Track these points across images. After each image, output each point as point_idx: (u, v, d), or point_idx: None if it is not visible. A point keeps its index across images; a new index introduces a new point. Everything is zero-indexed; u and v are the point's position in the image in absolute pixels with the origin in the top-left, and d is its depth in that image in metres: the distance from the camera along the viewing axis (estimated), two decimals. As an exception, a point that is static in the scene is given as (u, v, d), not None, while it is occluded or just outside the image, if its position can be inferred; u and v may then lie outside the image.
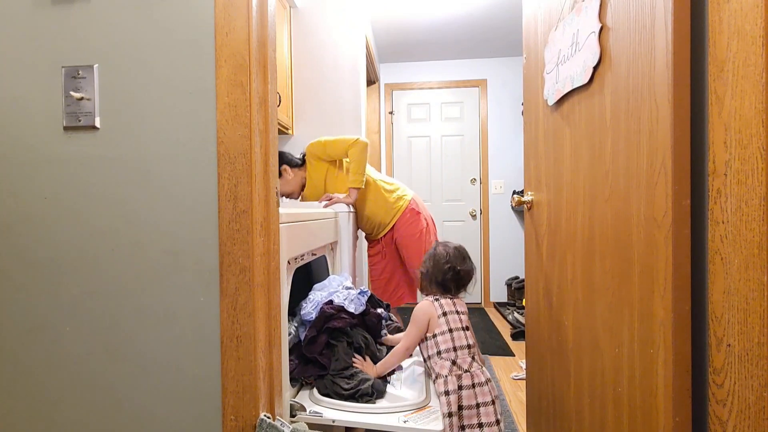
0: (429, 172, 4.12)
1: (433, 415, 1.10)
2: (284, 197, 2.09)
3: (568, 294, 1.13)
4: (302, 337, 1.26)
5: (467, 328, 1.29)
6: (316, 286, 1.44)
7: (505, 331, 3.30)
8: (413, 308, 1.33)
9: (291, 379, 1.15)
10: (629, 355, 0.83)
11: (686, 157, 0.69)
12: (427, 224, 2.12)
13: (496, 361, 2.67)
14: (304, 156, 2.09)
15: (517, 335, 3.10)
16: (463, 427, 1.16)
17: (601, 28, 0.92)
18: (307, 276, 1.60)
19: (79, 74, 0.85)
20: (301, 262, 1.30)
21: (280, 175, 2.00)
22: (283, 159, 2.03)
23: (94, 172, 0.85)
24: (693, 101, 0.69)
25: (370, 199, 2.09)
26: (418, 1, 2.96)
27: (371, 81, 3.70)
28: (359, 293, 1.37)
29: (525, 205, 1.48)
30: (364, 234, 2.26)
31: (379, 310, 1.42)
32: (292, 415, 1.08)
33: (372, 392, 1.15)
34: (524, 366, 2.38)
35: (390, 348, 1.36)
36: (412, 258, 2.09)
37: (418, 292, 1.90)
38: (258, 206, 0.83)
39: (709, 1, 0.65)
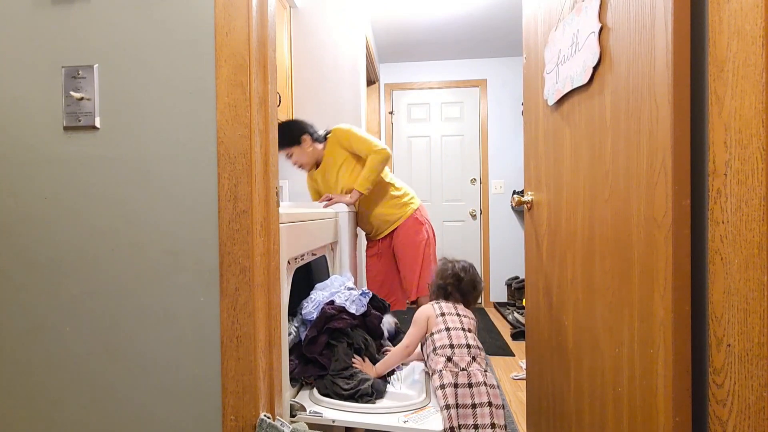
0: (429, 172, 4.12)
1: (433, 416, 1.10)
2: (296, 164, 2.06)
3: (568, 294, 1.13)
4: (303, 337, 1.26)
5: (469, 330, 1.29)
6: (317, 285, 1.44)
7: (505, 331, 3.30)
8: (407, 314, 1.36)
9: (291, 379, 1.15)
10: (629, 355, 0.83)
11: (686, 157, 0.69)
12: (428, 237, 2.08)
13: (496, 361, 2.67)
14: (327, 134, 2.05)
15: (517, 335, 3.10)
16: (459, 426, 1.12)
17: (601, 28, 0.92)
18: (307, 276, 1.60)
19: (79, 74, 0.85)
20: (301, 262, 1.30)
21: (299, 142, 1.97)
22: (307, 128, 2.00)
23: (94, 172, 0.85)
24: (693, 101, 0.69)
25: (375, 199, 2.05)
26: (418, 1, 2.96)
27: (371, 81, 3.70)
28: (361, 294, 1.37)
29: (525, 205, 1.48)
30: (364, 233, 2.26)
31: (389, 319, 1.45)
32: (292, 415, 1.08)
33: (372, 392, 1.15)
34: (524, 366, 2.38)
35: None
36: (406, 267, 2.06)
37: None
38: (258, 206, 0.83)
39: (709, 1, 0.65)
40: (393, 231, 2.09)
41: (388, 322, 1.54)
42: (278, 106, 1.98)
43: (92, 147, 0.85)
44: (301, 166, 2.07)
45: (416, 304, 2.12)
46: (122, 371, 0.85)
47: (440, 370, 1.18)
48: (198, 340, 0.83)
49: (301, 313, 1.33)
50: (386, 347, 1.41)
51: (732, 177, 0.61)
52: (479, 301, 4.15)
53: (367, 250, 2.23)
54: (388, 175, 2.09)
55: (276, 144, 0.91)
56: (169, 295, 0.83)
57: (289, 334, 1.27)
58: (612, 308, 0.90)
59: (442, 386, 1.15)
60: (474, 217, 4.13)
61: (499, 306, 3.96)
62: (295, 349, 1.25)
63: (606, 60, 0.91)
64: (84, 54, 0.85)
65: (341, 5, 2.56)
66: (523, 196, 1.49)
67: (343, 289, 1.41)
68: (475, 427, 1.12)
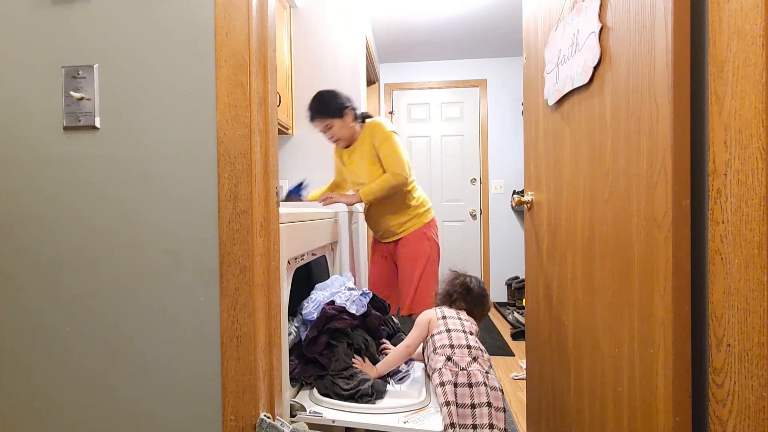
0: (429, 172, 4.12)
1: (433, 416, 1.10)
2: (332, 138, 1.97)
3: (568, 294, 1.13)
4: (303, 337, 1.26)
5: (471, 333, 1.30)
6: (318, 285, 1.44)
7: (505, 331, 3.30)
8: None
9: (291, 379, 1.15)
10: (629, 355, 0.83)
11: (686, 157, 0.69)
12: (431, 254, 1.99)
13: (496, 361, 2.67)
14: (365, 117, 1.99)
15: (517, 335, 3.10)
16: (458, 425, 1.11)
17: (601, 28, 0.92)
18: (307, 276, 1.60)
19: (79, 74, 0.85)
20: (301, 262, 1.30)
21: (342, 116, 1.90)
22: (350, 104, 1.92)
23: (94, 172, 0.85)
24: (693, 101, 0.69)
25: (388, 204, 1.96)
26: (418, 1, 2.96)
27: (371, 81, 3.70)
28: (361, 294, 1.37)
29: (525, 205, 1.48)
30: (364, 233, 2.24)
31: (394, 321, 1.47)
32: (292, 415, 1.08)
33: (372, 393, 1.15)
34: (524, 366, 2.38)
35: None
36: (404, 280, 1.98)
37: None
38: (258, 206, 0.83)
39: (709, 1, 0.65)
40: (399, 240, 2.01)
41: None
42: (278, 106, 1.97)
43: (92, 147, 0.85)
44: (336, 141, 1.98)
45: (410, 318, 2.09)
46: (122, 371, 0.85)
47: (440, 368, 1.18)
48: (198, 340, 0.83)
49: (301, 313, 1.34)
50: (385, 347, 1.41)
51: (732, 177, 0.61)
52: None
53: (372, 247, 2.18)
54: (410, 183, 2.01)
55: (276, 144, 0.91)
56: (169, 295, 0.83)
57: (289, 334, 1.27)
58: (612, 308, 0.90)
59: (442, 383, 1.14)
60: (474, 217, 4.13)
61: (499, 306, 3.96)
62: (295, 349, 1.25)
63: (606, 60, 0.91)
64: (84, 54, 0.85)
65: (341, 5, 2.56)
66: (523, 196, 1.49)
67: (343, 289, 1.41)
68: (474, 427, 1.11)
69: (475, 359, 1.21)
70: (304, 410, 1.09)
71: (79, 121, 0.85)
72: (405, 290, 2.00)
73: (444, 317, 1.33)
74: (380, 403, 1.15)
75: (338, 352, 1.22)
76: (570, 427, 1.14)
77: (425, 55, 3.99)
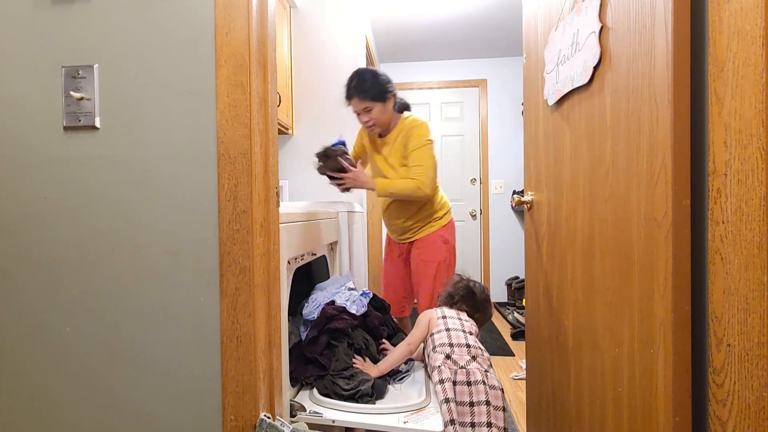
0: (429, 172, 4.11)
1: (433, 416, 1.10)
2: (368, 122, 1.81)
3: (568, 294, 1.13)
4: (303, 337, 1.26)
5: (470, 333, 1.30)
6: (318, 285, 1.44)
7: (505, 331, 3.30)
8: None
9: (291, 379, 1.15)
10: (629, 355, 0.83)
11: (686, 157, 0.69)
12: (448, 257, 1.89)
13: (496, 361, 2.67)
14: (404, 108, 1.89)
15: (517, 335, 3.10)
16: (457, 423, 1.11)
17: (601, 28, 0.92)
18: (307, 276, 1.60)
19: (79, 74, 0.85)
20: (301, 262, 1.30)
21: (385, 100, 1.76)
22: (393, 89, 1.80)
23: (94, 172, 0.85)
24: (693, 101, 0.69)
25: (409, 202, 1.86)
26: (418, 1, 2.96)
27: (371, 81, 3.69)
28: (361, 294, 1.37)
29: (525, 205, 1.48)
30: (365, 233, 2.20)
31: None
32: (292, 415, 1.08)
33: (372, 393, 1.15)
34: (524, 366, 2.38)
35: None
36: (420, 285, 1.88)
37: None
38: (258, 206, 0.83)
39: (709, 1, 0.65)
40: (414, 241, 1.92)
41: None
42: (278, 106, 1.97)
43: (92, 147, 0.85)
44: (372, 126, 1.82)
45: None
46: (122, 371, 0.85)
47: (439, 366, 1.18)
48: (198, 340, 0.83)
49: (301, 313, 1.34)
50: (384, 347, 1.41)
51: (732, 177, 0.61)
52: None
53: (386, 246, 2.09)
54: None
55: (276, 144, 0.91)
56: (169, 295, 0.83)
57: (289, 334, 1.27)
58: (612, 308, 0.90)
59: (441, 381, 1.14)
60: (474, 217, 4.13)
61: (499, 306, 3.96)
62: (295, 349, 1.25)
63: (606, 60, 0.91)
64: (84, 54, 0.85)
65: (341, 5, 2.56)
66: (523, 196, 1.49)
67: (344, 289, 1.41)
68: (472, 425, 1.11)
69: (474, 358, 1.21)
70: (304, 410, 1.09)
71: (79, 121, 0.85)
72: (421, 294, 1.90)
73: (444, 317, 1.33)
74: (380, 403, 1.15)
75: (338, 352, 1.22)
76: (570, 427, 1.14)
77: (425, 55, 3.99)
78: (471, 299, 1.45)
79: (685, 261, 0.69)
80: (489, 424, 1.11)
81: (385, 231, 2.15)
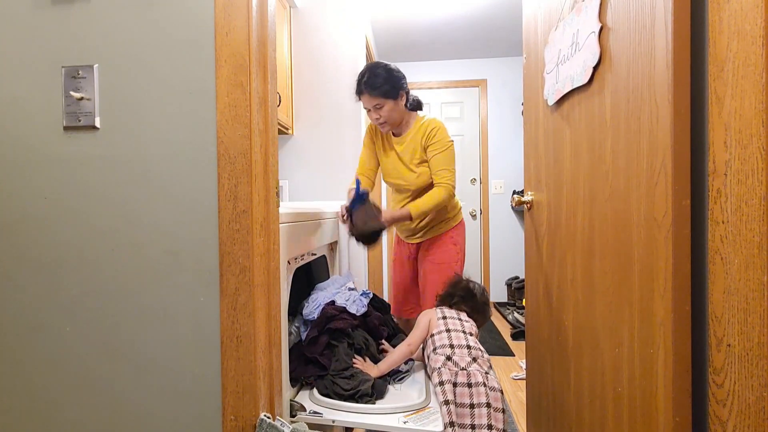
0: (429, 172, 4.11)
1: (433, 416, 1.10)
2: (379, 120, 1.73)
3: (568, 294, 1.13)
4: (304, 337, 1.26)
5: (470, 334, 1.30)
6: (318, 285, 1.44)
7: (505, 331, 3.30)
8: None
9: (291, 379, 1.15)
10: (629, 355, 0.83)
11: (686, 157, 0.69)
12: (456, 260, 1.83)
13: (496, 361, 2.67)
14: (417, 106, 1.81)
15: (517, 335, 3.10)
16: (457, 425, 1.11)
17: (601, 28, 0.92)
18: (307, 276, 1.60)
19: (79, 74, 0.85)
20: (301, 262, 1.30)
21: (397, 97, 1.69)
22: (406, 86, 1.73)
23: (94, 172, 0.85)
24: (693, 101, 0.69)
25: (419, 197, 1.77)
26: (418, 1, 2.96)
27: (371, 81, 3.69)
28: (361, 294, 1.37)
29: (525, 205, 1.48)
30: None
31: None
32: (292, 415, 1.08)
33: (372, 393, 1.15)
34: (524, 366, 2.38)
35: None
36: (425, 285, 1.84)
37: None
38: (258, 206, 0.83)
39: (709, 1, 0.65)
40: (422, 242, 1.89)
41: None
42: (278, 106, 1.97)
43: (92, 147, 0.85)
44: (382, 124, 1.75)
45: None
46: (122, 371, 0.85)
47: (439, 368, 1.18)
48: (198, 340, 0.83)
49: (301, 314, 1.34)
50: (384, 348, 1.41)
51: (732, 177, 0.61)
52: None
53: (395, 245, 2.05)
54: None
55: (276, 144, 0.91)
56: (169, 295, 0.83)
57: (289, 334, 1.27)
58: (612, 308, 0.90)
59: (441, 383, 1.14)
60: (474, 217, 4.13)
61: (499, 306, 3.96)
62: (296, 349, 1.25)
63: (606, 60, 0.91)
64: (84, 54, 0.85)
65: (341, 5, 2.56)
66: (523, 196, 1.49)
67: (344, 289, 1.41)
68: (472, 427, 1.11)
69: (474, 359, 1.21)
70: (304, 410, 1.09)
71: (79, 121, 0.85)
72: (427, 296, 1.85)
73: (444, 317, 1.33)
74: (380, 403, 1.15)
75: (339, 352, 1.22)
76: (570, 427, 1.14)
77: (425, 55, 3.99)
78: (471, 300, 1.45)
79: (685, 261, 0.69)
80: (489, 426, 1.10)
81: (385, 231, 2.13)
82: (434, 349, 1.24)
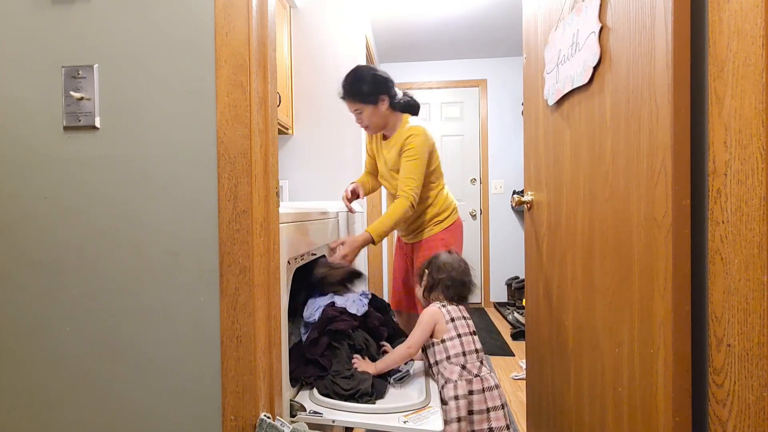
0: (429, 172, 4.11)
1: (432, 416, 1.10)
2: (361, 124, 1.76)
3: (568, 294, 1.13)
4: (304, 338, 1.26)
5: (474, 333, 1.31)
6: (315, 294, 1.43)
7: (505, 331, 3.30)
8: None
9: (291, 379, 1.15)
10: (629, 355, 0.83)
11: (686, 157, 0.69)
12: None
13: (496, 361, 2.67)
14: (408, 108, 1.80)
15: (517, 335, 3.10)
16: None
17: (601, 28, 0.92)
18: (307, 276, 1.59)
19: (79, 74, 0.85)
20: (301, 262, 1.30)
21: (376, 102, 1.68)
22: (387, 89, 1.71)
23: (94, 172, 0.85)
24: (693, 101, 0.69)
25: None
26: (418, 1, 2.96)
27: (371, 81, 3.69)
28: (361, 295, 1.37)
29: (525, 205, 1.48)
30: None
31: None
32: (292, 415, 1.08)
33: (372, 392, 1.15)
34: (524, 366, 2.38)
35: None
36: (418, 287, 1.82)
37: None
38: (258, 206, 0.83)
39: (709, 1, 0.65)
40: (415, 243, 1.89)
41: None
42: (278, 106, 1.97)
43: (92, 147, 0.85)
44: (366, 128, 1.77)
45: None
46: (122, 371, 0.85)
47: (455, 381, 1.20)
48: (198, 340, 0.83)
49: (302, 316, 1.33)
50: (384, 348, 1.41)
51: (732, 177, 0.61)
52: (479, 301, 4.14)
53: (396, 243, 2.07)
54: (436, 181, 1.87)
55: (276, 144, 0.91)
56: (169, 295, 0.83)
57: (290, 335, 1.27)
58: (612, 308, 0.90)
59: (456, 397, 1.17)
60: (474, 217, 4.13)
61: (499, 306, 3.96)
62: (296, 349, 1.25)
63: (606, 60, 0.91)
64: (84, 54, 0.85)
65: (341, 5, 2.56)
66: (523, 196, 1.49)
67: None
68: (491, 430, 1.17)
69: (482, 362, 1.25)
70: (304, 410, 1.09)
71: (79, 121, 0.85)
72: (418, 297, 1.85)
73: (452, 319, 1.29)
74: (380, 403, 1.15)
75: (341, 354, 1.22)
76: (570, 427, 1.14)
77: (425, 55, 3.99)
78: (462, 287, 1.38)
79: (685, 261, 0.69)
80: (507, 427, 1.19)
81: None
82: (448, 358, 1.24)
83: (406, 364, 1.36)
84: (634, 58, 0.80)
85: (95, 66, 0.85)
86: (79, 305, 0.85)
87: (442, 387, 1.22)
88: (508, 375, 2.44)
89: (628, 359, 0.84)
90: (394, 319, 1.61)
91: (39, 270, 0.86)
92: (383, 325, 1.43)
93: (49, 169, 0.86)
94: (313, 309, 1.30)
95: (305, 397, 1.17)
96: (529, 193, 1.46)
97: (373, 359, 1.30)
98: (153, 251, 0.84)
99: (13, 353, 0.86)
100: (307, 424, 0.93)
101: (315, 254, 1.50)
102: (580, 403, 1.07)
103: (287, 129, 2.48)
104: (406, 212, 1.67)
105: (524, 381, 2.00)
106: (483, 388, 1.21)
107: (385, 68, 4.11)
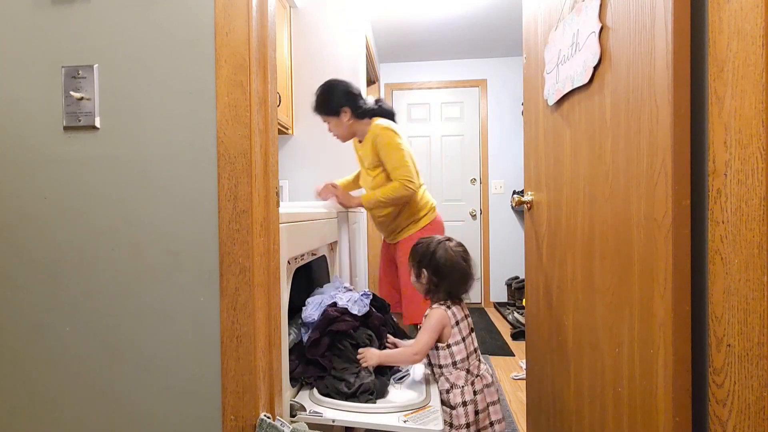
0: (429, 173, 4.12)
1: (432, 415, 1.10)
2: (331, 134, 1.96)
3: (568, 294, 1.13)
4: (304, 338, 1.26)
5: (473, 330, 1.33)
6: (314, 293, 1.43)
7: (505, 331, 3.30)
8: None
9: (291, 379, 1.15)
10: (629, 355, 0.83)
11: (686, 157, 0.69)
12: None
13: (496, 361, 2.67)
14: (372, 111, 1.90)
15: (517, 335, 3.10)
16: (479, 431, 1.21)
17: (601, 28, 0.92)
18: (307, 276, 1.60)
19: (79, 74, 0.85)
20: (301, 262, 1.30)
21: (338, 114, 1.85)
22: (349, 100, 1.85)
23: (94, 172, 0.85)
24: (693, 101, 0.69)
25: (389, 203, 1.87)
26: (418, 1, 2.96)
27: (371, 81, 3.70)
28: (362, 295, 1.37)
29: (525, 205, 1.48)
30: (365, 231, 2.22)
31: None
32: (292, 415, 1.08)
33: (373, 390, 1.15)
34: (524, 366, 2.38)
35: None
36: (403, 286, 1.92)
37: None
38: (258, 206, 0.83)
39: (709, 1, 0.65)
40: (397, 243, 1.96)
41: None
42: (278, 106, 1.97)
43: (92, 147, 0.85)
44: (335, 136, 1.97)
45: (417, 328, 2.06)
46: (122, 371, 0.85)
47: (462, 386, 1.22)
48: (198, 340, 0.83)
49: (301, 317, 1.33)
50: (391, 340, 1.39)
51: (732, 177, 0.61)
52: (479, 301, 4.14)
53: (382, 244, 2.15)
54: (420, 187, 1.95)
55: (276, 144, 0.91)
56: (169, 295, 0.83)
57: (289, 335, 1.27)
58: (612, 308, 0.90)
59: (464, 403, 1.19)
60: (474, 217, 4.13)
61: (499, 306, 3.96)
62: (296, 349, 1.25)
63: (606, 60, 0.91)
64: (84, 54, 0.85)
65: (341, 5, 2.56)
66: (523, 196, 1.49)
67: (342, 289, 1.41)
68: (491, 424, 1.23)
69: (479, 360, 1.28)
70: (304, 410, 1.09)
71: (79, 121, 0.85)
72: (405, 298, 1.93)
73: (457, 322, 1.28)
74: (380, 403, 1.15)
75: (345, 353, 1.22)
76: (570, 427, 1.14)
77: (425, 55, 3.99)
78: (466, 282, 1.34)
79: (685, 261, 0.69)
80: (503, 419, 1.26)
81: None
82: (454, 363, 1.24)
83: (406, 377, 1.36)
84: (634, 58, 0.80)
85: (95, 66, 0.85)
86: (79, 305, 0.85)
87: (447, 392, 1.22)
88: (508, 375, 2.44)
89: (628, 359, 0.84)
90: (394, 319, 1.61)
91: (39, 270, 0.86)
92: (384, 325, 1.43)
93: (49, 169, 0.86)
94: (313, 308, 1.30)
95: (305, 397, 1.17)
96: (529, 193, 1.46)
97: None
98: (153, 251, 0.84)
99: (13, 353, 0.86)
100: (307, 424, 0.93)
101: (315, 254, 1.50)
102: (580, 403, 1.07)
103: (287, 129, 2.48)
104: (400, 193, 1.79)
105: (524, 381, 1.99)
106: (483, 386, 1.24)
107: (385, 68, 4.12)
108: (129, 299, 0.84)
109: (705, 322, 0.67)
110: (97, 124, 0.85)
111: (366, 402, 1.13)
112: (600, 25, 0.92)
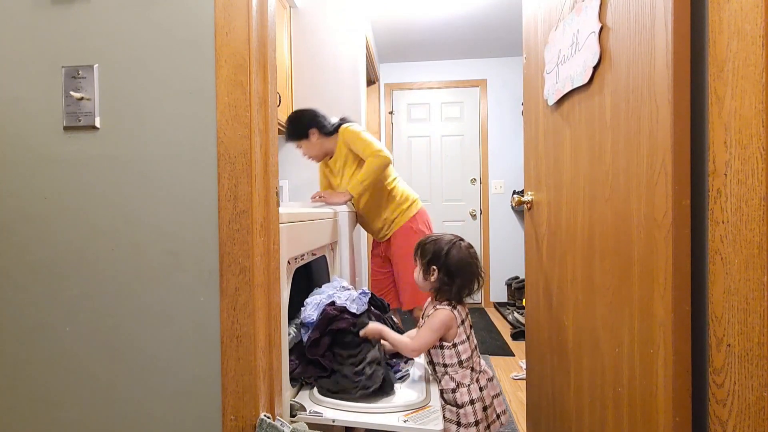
0: (429, 173, 4.12)
1: (432, 415, 1.10)
2: (305, 157, 2.11)
3: (568, 294, 1.13)
4: (304, 338, 1.26)
5: (471, 327, 1.34)
6: (313, 293, 1.43)
7: (505, 331, 3.30)
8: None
9: (291, 379, 1.15)
10: (629, 355, 0.83)
11: (686, 157, 0.69)
12: None
13: (496, 361, 2.67)
14: (338, 126, 2.04)
15: (517, 335, 3.10)
16: (488, 426, 1.22)
17: (601, 28, 0.92)
18: (307, 276, 1.60)
19: (79, 74, 0.85)
20: (301, 262, 1.30)
21: (307, 137, 2.00)
22: (315, 122, 2.00)
23: (94, 172, 0.85)
24: (693, 101, 0.69)
25: (372, 203, 2.03)
26: (418, 1, 2.96)
27: (371, 81, 3.70)
28: (360, 293, 1.37)
29: (525, 205, 1.48)
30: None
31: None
32: (292, 415, 1.08)
33: (381, 384, 1.14)
34: (524, 366, 2.38)
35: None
36: (400, 277, 2.04)
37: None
38: (258, 206, 0.83)
39: (709, 1, 0.65)
40: (389, 238, 2.07)
41: None
42: (278, 106, 1.97)
43: (92, 147, 0.85)
44: (311, 158, 2.10)
45: (411, 314, 2.11)
46: (122, 371, 0.85)
47: (468, 385, 1.22)
48: (198, 340, 0.83)
49: (300, 318, 1.33)
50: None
51: (732, 177, 0.61)
52: (479, 301, 4.14)
53: (372, 247, 2.24)
54: (388, 177, 2.04)
55: (276, 144, 0.91)
56: (169, 295, 0.83)
57: (289, 335, 1.27)
58: (612, 308, 0.90)
59: (472, 401, 1.20)
60: (474, 217, 4.13)
61: (499, 306, 3.96)
62: (296, 349, 1.25)
63: (606, 60, 0.91)
64: (84, 54, 0.85)
65: (341, 5, 2.56)
66: (523, 196, 1.49)
67: (340, 288, 1.40)
68: (498, 416, 1.25)
69: (479, 357, 1.29)
70: (304, 410, 1.09)
71: (79, 121, 0.85)
72: (402, 286, 2.06)
73: (462, 322, 1.28)
74: (380, 402, 1.15)
75: (349, 343, 1.21)
76: (570, 427, 1.14)
77: (425, 55, 3.99)
78: (479, 283, 1.33)
79: (685, 261, 0.69)
80: (505, 411, 1.28)
81: None
82: (460, 362, 1.24)
83: (406, 363, 1.36)
84: (634, 58, 0.80)
85: (95, 66, 0.85)
86: (79, 305, 0.85)
87: (454, 391, 1.22)
88: (508, 375, 2.44)
89: (628, 359, 0.84)
90: (394, 318, 1.61)
91: (39, 270, 0.86)
92: (383, 323, 1.43)
93: (49, 169, 0.86)
94: (312, 309, 1.30)
95: (305, 397, 1.17)
96: (529, 193, 1.46)
97: (378, 349, 1.28)
98: (153, 251, 0.84)
99: (13, 353, 0.86)
100: (307, 424, 0.93)
101: (315, 254, 1.50)
102: (580, 403, 1.07)
103: (287, 129, 2.48)
104: (378, 164, 1.89)
105: (524, 381, 1.99)
106: (486, 381, 1.26)
107: (385, 68, 4.12)
108: (129, 299, 0.84)
109: (705, 322, 0.68)
110: (97, 124, 0.85)
111: (374, 394, 1.13)
112: (600, 25, 0.92)
